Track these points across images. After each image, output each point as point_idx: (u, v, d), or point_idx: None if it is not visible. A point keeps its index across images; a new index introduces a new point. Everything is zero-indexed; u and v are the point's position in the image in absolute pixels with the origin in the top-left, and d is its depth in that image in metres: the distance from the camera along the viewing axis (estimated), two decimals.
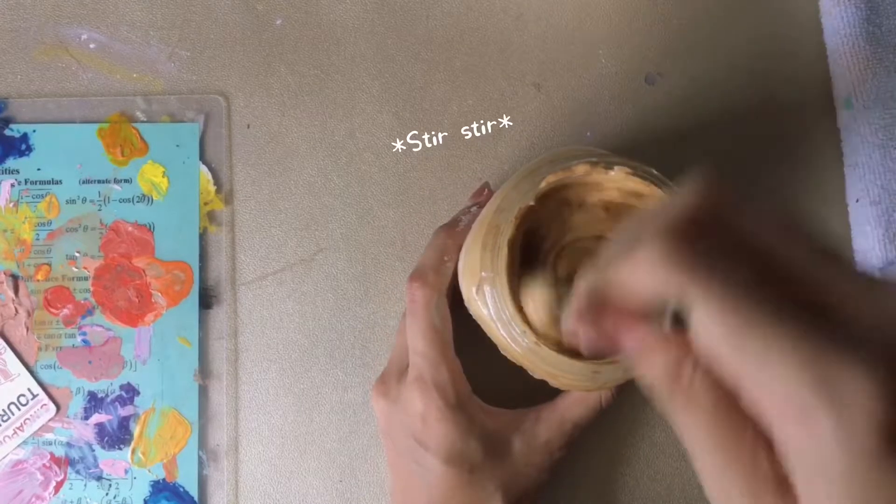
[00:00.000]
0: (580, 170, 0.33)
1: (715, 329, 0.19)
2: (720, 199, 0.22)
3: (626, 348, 0.23)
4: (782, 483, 0.20)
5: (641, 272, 0.21)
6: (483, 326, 0.35)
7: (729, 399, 0.20)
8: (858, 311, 0.19)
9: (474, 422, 0.35)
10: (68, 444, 0.40)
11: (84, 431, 0.40)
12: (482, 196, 0.39)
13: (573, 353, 0.32)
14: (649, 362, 0.22)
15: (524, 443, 0.36)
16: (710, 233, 0.21)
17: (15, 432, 0.40)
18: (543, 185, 0.33)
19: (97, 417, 0.40)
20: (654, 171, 0.33)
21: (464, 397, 0.35)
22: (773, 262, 0.20)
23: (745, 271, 0.20)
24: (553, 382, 0.35)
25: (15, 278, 0.41)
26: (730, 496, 0.21)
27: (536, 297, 0.33)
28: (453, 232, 0.37)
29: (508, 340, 0.34)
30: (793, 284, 0.20)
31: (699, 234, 0.21)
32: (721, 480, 0.21)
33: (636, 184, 0.33)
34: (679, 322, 0.21)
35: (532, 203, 0.33)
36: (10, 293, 0.41)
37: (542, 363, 0.33)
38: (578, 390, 0.36)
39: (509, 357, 0.35)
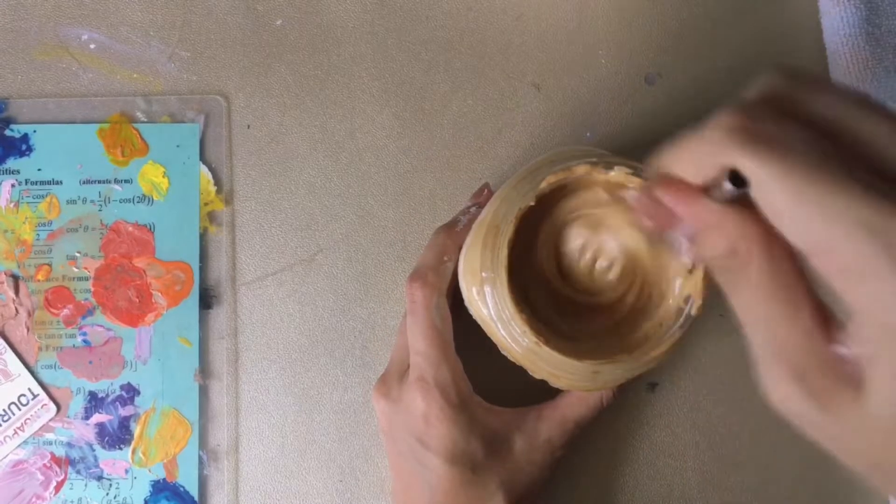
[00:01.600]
0: (580, 170, 0.33)
1: (781, 193, 0.19)
2: (786, 82, 0.22)
3: (685, 225, 0.23)
4: (838, 369, 0.20)
5: (706, 148, 0.21)
6: (483, 326, 0.35)
7: (786, 281, 0.20)
8: None
9: (476, 421, 0.35)
10: (69, 444, 0.40)
11: (84, 431, 0.40)
12: (482, 196, 0.40)
13: (573, 353, 0.32)
14: (709, 240, 0.22)
15: (525, 441, 0.36)
16: (776, 110, 0.21)
17: (15, 432, 0.40)
18: (543, 185, 0.33)
19: (97, 417, 0.40)
20: None
21: (465, 397, 0.35)
22: (847, 136, 0.20)
23: (815, 139, 0.20)
24: (553, 382, 0.35)
25: (15, 278, 0.41)
26: (781, 380, 0.21)
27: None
28: (452, 232, 0.37)
29: (509, 340, 0.34)
30: (866, 155, 0.20)
31: (764, 111, 0.21)
32: (775, 361, 0.21)
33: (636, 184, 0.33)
34: (732, 201, 0.21)
35: (532, 203, 0.33)
36: (11, 293, 0.41)
37: (542, 363, 0.34)
38: (578, 390, 0.36)
39: (510, 357, 0.35)
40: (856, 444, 0.20)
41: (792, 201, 0.19)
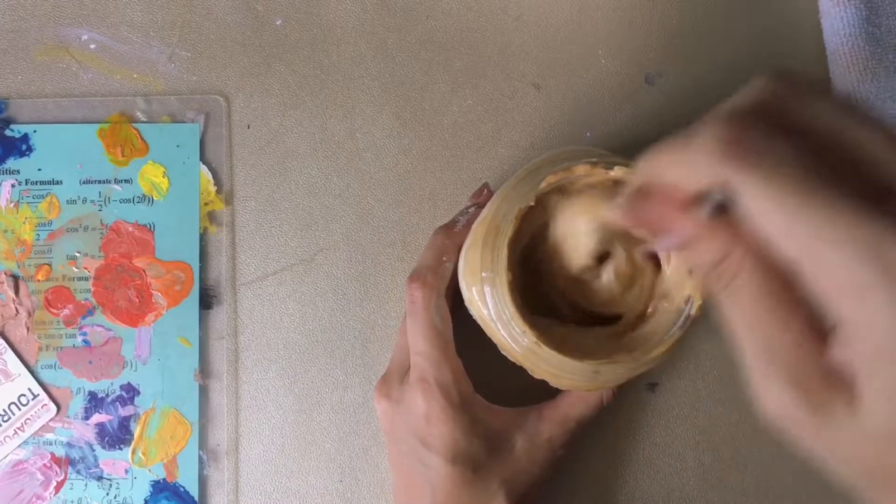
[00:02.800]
0: (580, 170, 0.33)
1: (769, 209, 0.19)
2: (780, 89, 0.22)
3: (673, 236, 0.23)
4: (831, 376, 0.20)
5: (694, 159, 0.21)
6: (483, 326, 0.35)
7: (777, 288, 0.20)
8: None
9: (477, 420, 0.35)
10: (69, 444, 0.40)
11: (84, 431, 0.40)
12: (482, 196, 0.40)
13: (573, 353, 0.32)
14: (697, 250, 0.22)
15: (526, 440, 0.36)
16: (767, 120, 0.21)
17: (15, 432, 0.40)
18: (543, 185, 0.33)
19: (97, 417, 0.40)
20: None
21: (466, 396, 0.35)
22: (836, 146, 0.20)
23: (804, 152, 0.20)
24: (553, 382, 0.35)
25: (15, 278, 0.41)
26: (773, 387, 0.20)
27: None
28: (451, 232, 0.37)
29: (509, 340, 0.34)
30: (860, 166, 0.20)
31: (755, 123, 0.21)
32: (767, 368, 0.21)
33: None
34: (722, 212, 0.21)
35: (532, 203, 0.33)
36: (11, 293, 0.41)
37: (542, 363, 0.34)
38: (578, 390, 0.36)
39: (510, 357, 0.35)
40: (849, 450, 0.20)
41: (782, 219, 0.19)
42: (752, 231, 0.20)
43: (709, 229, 0.22)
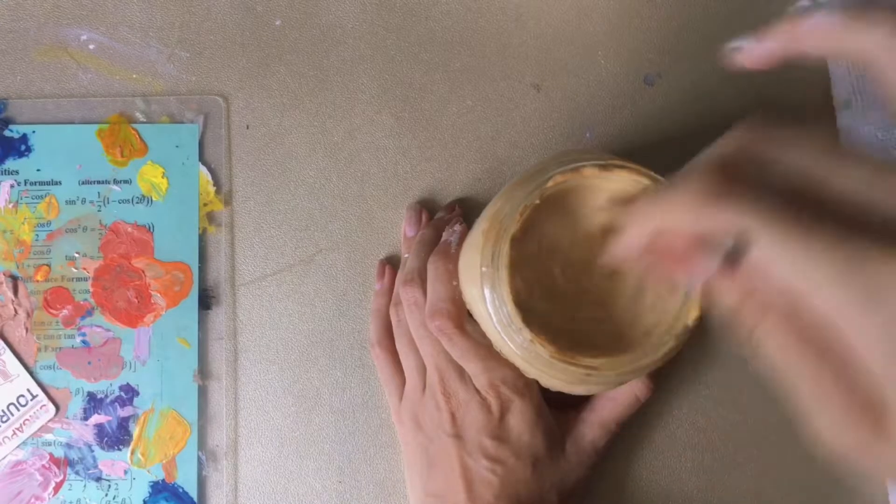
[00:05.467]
0: (588, 171, 0.33)
1: (771, 255, 0.20)
2: (763, 136, 0.22)
3: (690, 279, 0.23)
4: (873, 408, 0.20)
5: (692, 205, 0.21)
6: (480, 323, 0.35)
7: (804, 326, 0.21)
8: None
9: (542, 414, 0.37)
10: (67, 445, 0.40)
11: (83, 432, 0.40)
12: (454, 211, 0.41)
13: (567, 354, 0.32)
14: (719, 293, 0.22)
15: (572, 443, 0.38)
16: (751, 168, 0.21)
17: (14, 433, 0.40)
18: (551, 184, 0.33)
19: (96, 418, 0.40)
20: (659, 178, 0.33)
21: (535, 393, 0.37)
22: (822, 188, 0.20)
23: (793, 196, 0.20)
24: (544, 382, 0.35)
25: (14, 279, 0.41)
26: (822, 421, 0.21)
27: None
28: (450, 255, 0.38)
29: (504, 338, 0.34)
30: (845, 205, 0.20)
31: (739, 172, 0.21)
32: (814, 407, 0.21)
33: (642, 187, 0.33)
34: (735, 259, 0.21)
35: (538, 202, 0.33)
36: (10, 294, 0.41)
37: (536, 362, 0.33)
38: (567, 392, 0.36)
39: (503, 355, 0.35)
40: None
41: (779, 262, 0.20)
42: (765, 275, 0.21)
43: (723, 275, 0.22)
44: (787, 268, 0.20)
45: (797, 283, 0.20)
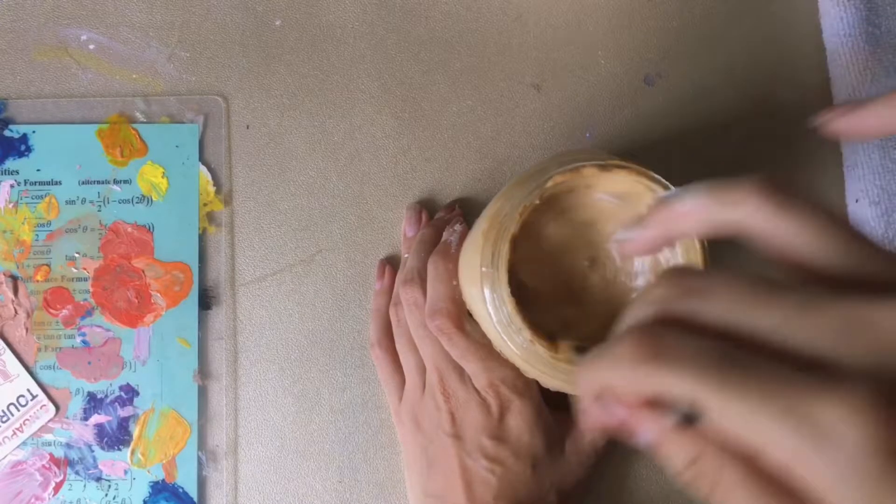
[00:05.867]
0: (588, 171, 0.33)
1: (734, 422, 0.19)
2: (680, 290, 0.22)
3: (641, 438, 0.22)
4: None
5: (627, 371, 0.21)
6: (480, 322, 0.35)
7: (766, 476, 0.20)
8: (838, 349, 0.19)
9: (542, 415, 0.37)
10: (67, 445, 0.40)
11: (83, 432, 0.40)
12: (454, 212, 0.41)
13: (567, 354, 0.32)
14: (669, 453, 0.22)
15: (572, 443, 0.38)
16: (679, 323, 0.21)
17: (14, 433, 0.40)
18: (550, 184, 0.33)
19: (96, 418, 0.40)
20: (660, 178, 0.33)
21: (535, 392, 0.37)
22: (747, 331, 0.20)
23: (722, 346, 0.20)
24: (544, 382, 0.35)
25: (14, 279, 0.41)
26: None
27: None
28: (450, 255, 0.38)
29: (504, 338, 0.34)
30: (772, 343, 0.20)
31: (670, 329, 0.21)
32: None
33: (643, 187, 0.33)
34: (690, 423, 0.21)
35: (538, 202, 0.33)
36: (10, 294, 0.41)
37: (535, 362, 0.33)
38: (568, 391, 0.36)
39: (503, 355, 0.35)
40: None
41: (732, 424, 0.19)
42: (718, 431, 0.20)
43: (673, 436, 0.21)
44: (741, 427, 0.19)
45: (752, 439, 0.19)
